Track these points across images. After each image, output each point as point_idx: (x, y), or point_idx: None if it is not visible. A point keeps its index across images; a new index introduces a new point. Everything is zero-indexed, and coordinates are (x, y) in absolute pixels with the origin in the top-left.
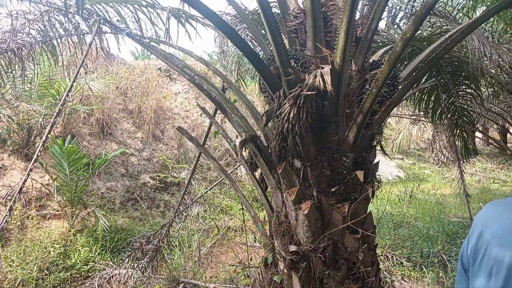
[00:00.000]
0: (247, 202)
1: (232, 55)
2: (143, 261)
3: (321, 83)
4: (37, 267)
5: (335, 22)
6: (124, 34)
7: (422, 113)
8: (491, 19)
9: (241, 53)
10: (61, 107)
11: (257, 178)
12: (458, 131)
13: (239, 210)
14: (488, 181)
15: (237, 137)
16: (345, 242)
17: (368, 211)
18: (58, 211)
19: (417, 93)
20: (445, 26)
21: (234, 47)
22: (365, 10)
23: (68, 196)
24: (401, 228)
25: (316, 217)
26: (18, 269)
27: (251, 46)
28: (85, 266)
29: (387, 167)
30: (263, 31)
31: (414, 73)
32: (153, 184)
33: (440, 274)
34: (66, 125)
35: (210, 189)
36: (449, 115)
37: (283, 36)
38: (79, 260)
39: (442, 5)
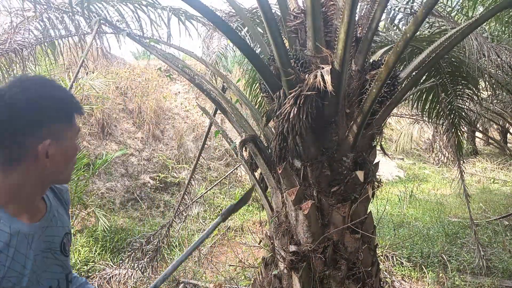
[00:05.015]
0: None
1: (214, 56)
2: (143, 261)
3: (321, 83)
4: None
5: (335, 22)
6: (124, 34)
7: (421, 113)
8: (490, 20)
9: (221, 54)
10: None
11: (257, 178)
12: (457, 130)
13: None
14: (488, 181)
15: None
16: (345, 242)
17: (368, 211)
18: None
19: (417, 93)
20: (444, 26)
21: (216, 50)
22: (364, 10)
23: None
24: (401, 228)
25: (316, 217)
26: None
27: (251, 45)
28: (85, 266)
29: (387, 167)
30: (260, 29)
31: (414, 73)
32: (153, 184)
33: (440, 274)
34: None
35: (210, 189)
36: (448, 115)
37: (283, 36)
38: (79, 260)
39: (442, 6)
